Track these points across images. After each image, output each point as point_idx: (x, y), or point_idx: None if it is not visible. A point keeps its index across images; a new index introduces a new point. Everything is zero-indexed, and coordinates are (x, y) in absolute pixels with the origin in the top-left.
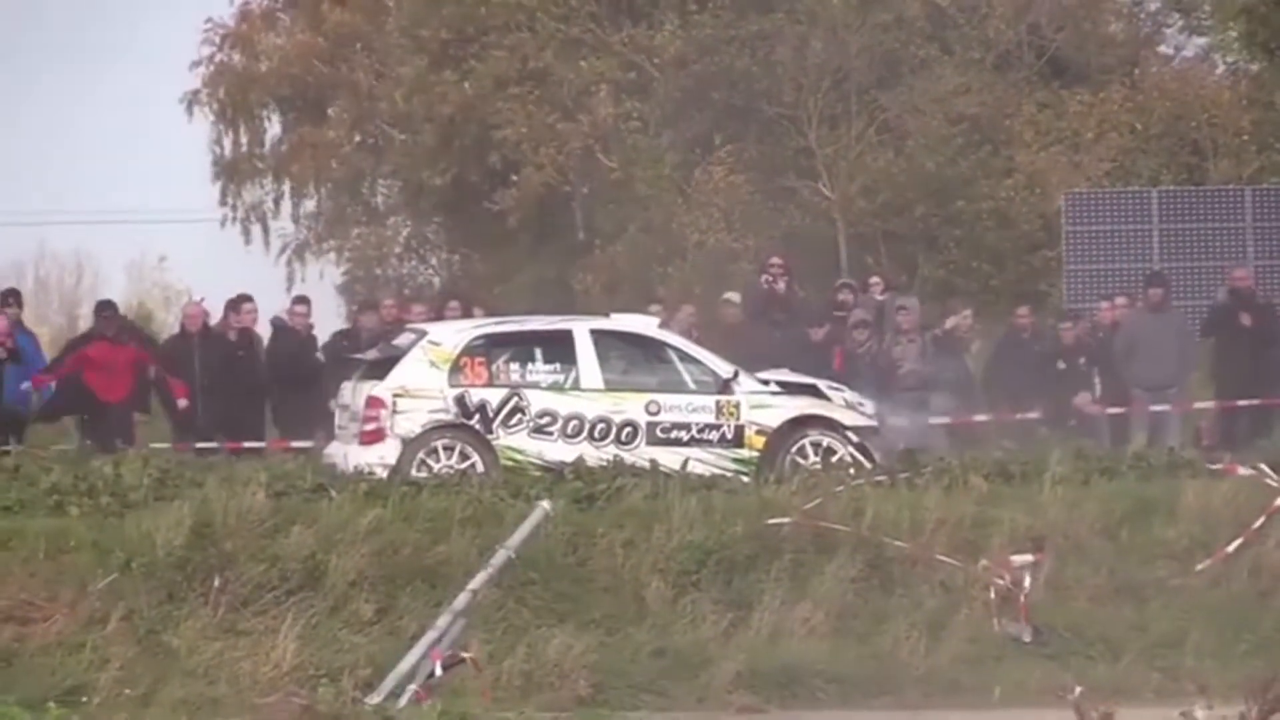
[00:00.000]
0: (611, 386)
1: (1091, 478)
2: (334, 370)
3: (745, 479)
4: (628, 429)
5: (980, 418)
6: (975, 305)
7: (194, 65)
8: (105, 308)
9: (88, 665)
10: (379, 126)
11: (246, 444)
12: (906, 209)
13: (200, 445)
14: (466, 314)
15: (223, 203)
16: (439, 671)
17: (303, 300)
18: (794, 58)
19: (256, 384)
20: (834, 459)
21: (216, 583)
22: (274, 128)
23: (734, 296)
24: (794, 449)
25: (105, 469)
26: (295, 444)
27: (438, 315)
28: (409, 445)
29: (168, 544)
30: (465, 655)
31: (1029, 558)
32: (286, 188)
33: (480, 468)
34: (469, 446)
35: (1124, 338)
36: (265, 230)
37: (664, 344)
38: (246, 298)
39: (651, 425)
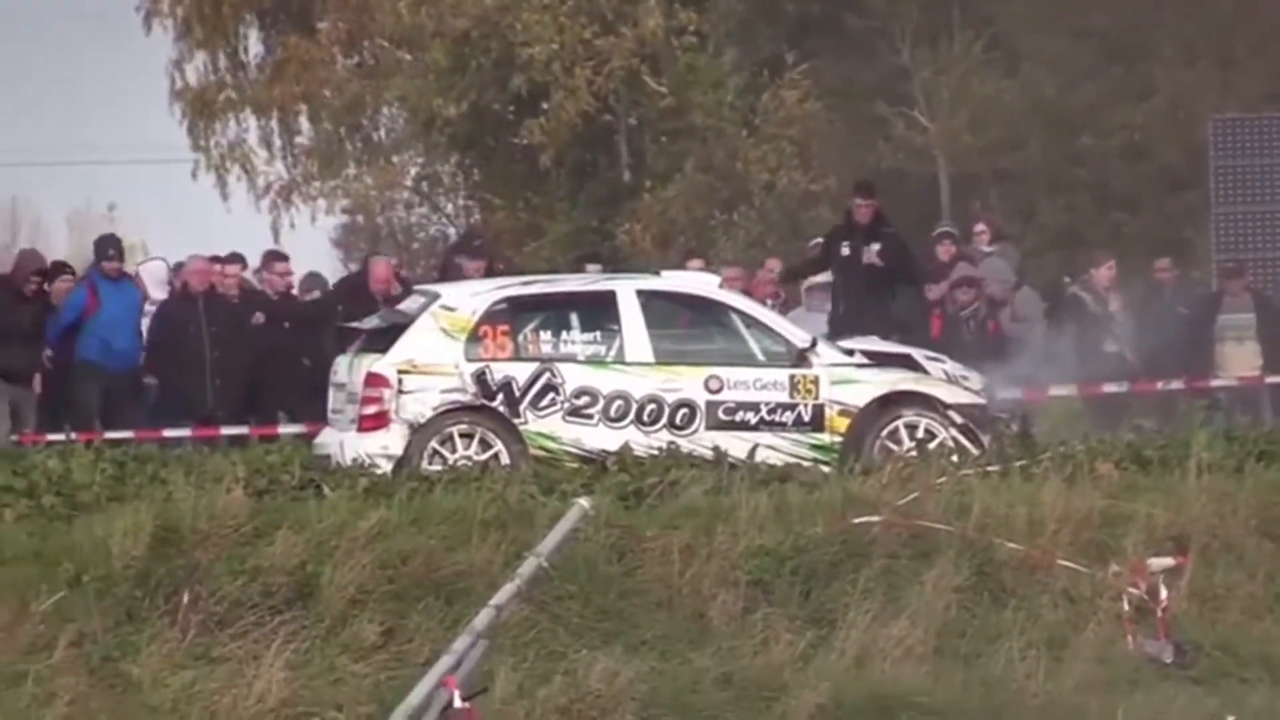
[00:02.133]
0: (664, 359)
1: (1246, 464)
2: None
3: (826, 469)
4: (684, 410)
5: (1111, 388)
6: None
7: None
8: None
9: (30, 700)
10: (379, 44)
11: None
12: (1021, 144)
13: (170, 434)
14: (487, 272)
15: (194, 146)
16: (458, 703)
17: (280, 257)
18: None
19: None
20: (933, 444)
21: (185, 599)
22: (253, 46)
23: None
24: (884, 432)
25: (49, 463)
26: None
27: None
28: (418, 432)
29: (125, 554)
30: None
31: (1169, 562)
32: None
33: (505, 459)
34: (491, 433)
35: None
36: (248, 170)
37: (727, 307)
38: (279, 255)
39: (712, 405)
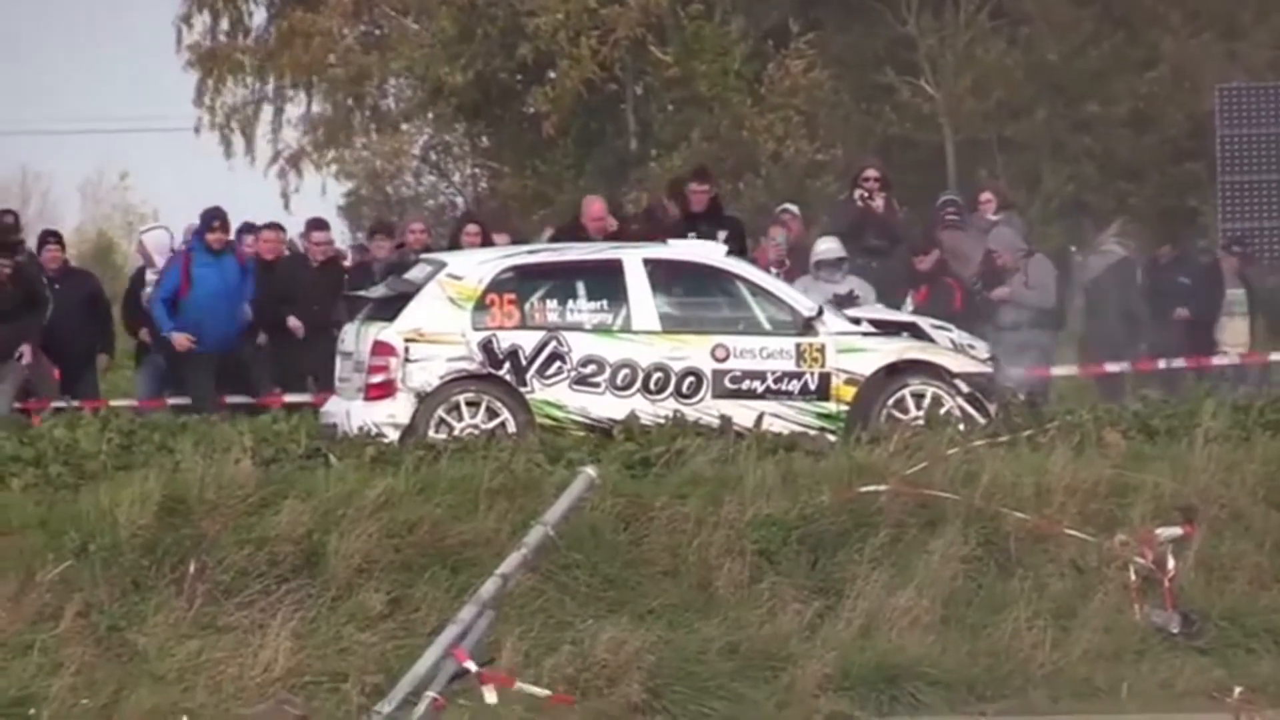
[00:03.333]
0: (671, 328)
1: (1253, 433)
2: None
3: (832, 438)
4: (690, 379)
5: (1114, 368)
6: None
7: None
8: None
9: (36, 670)
10: (386, 13)
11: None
12: (1026, 111)
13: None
14: (488, 240)
15: (198, 103)
16: (472, 668)
17: (320, 225)
18: None
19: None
20: (940, 413)
21: (191, 569)
22: (259, 12)
23: (792, 208)
24: (891, 401)
25: (56, 432)
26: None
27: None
28: (425, 401)
29: (132, 523)
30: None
31: (1177, 531)
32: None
33: (511, 427)
34: (497, 402)
35: None
36: (248, 139)
37: (733, 275)
38: (319, 223)
39: (719, 374)
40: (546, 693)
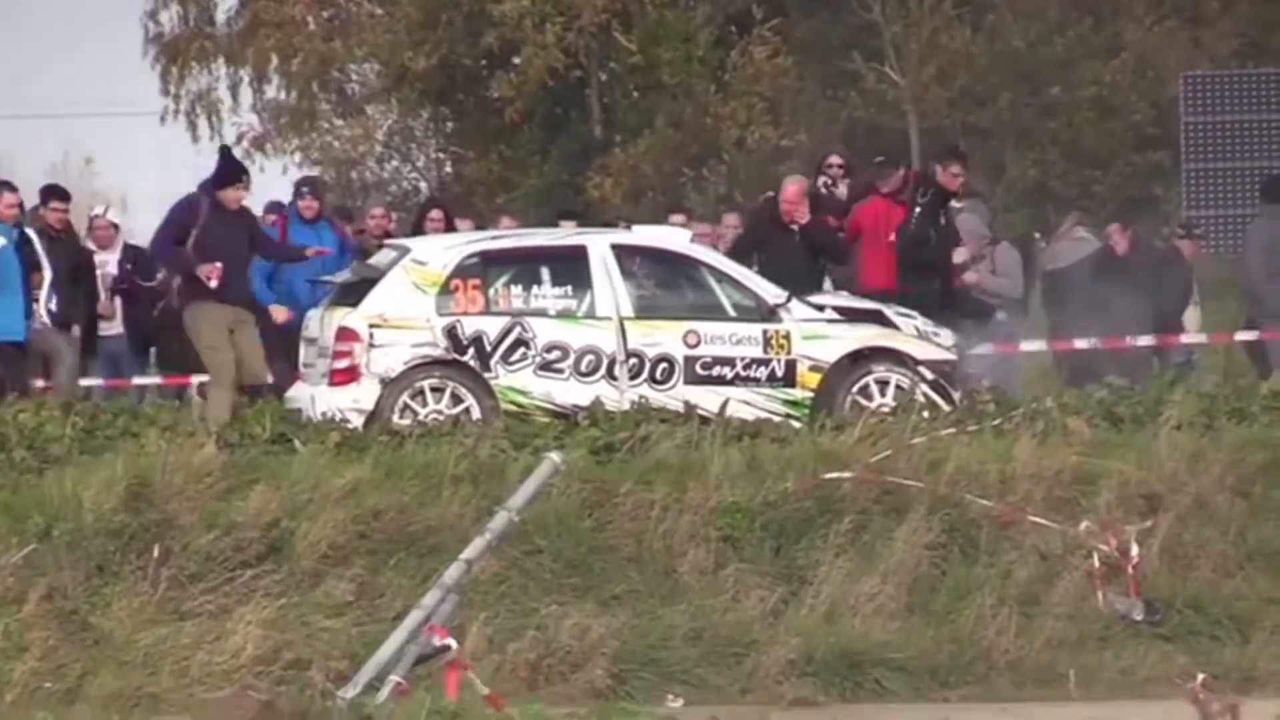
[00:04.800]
0: (642, 313)
1: (1217, 421)
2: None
3: (797, 424)
4: (664, 365)
5: (1082, 344)
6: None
7: None
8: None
9: (0, 654)
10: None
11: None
12: (990, 98)
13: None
14: (451, 226)
15: (164, 92)
16: (453, 645)
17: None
18: None
19: None
20: (904, 400)
21: (156, 554)
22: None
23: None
24: (855, 388)
25: (20, 416)
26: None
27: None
28: (389, 386)
29: (97, 507)
30: (449, 643)
31: (1145, 524)
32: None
33: (476, 413)
34: (462, 387)
35: (1256, 252)
36: (212, 124)
37: (698, 262)
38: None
39: (691, 360)
40: (485, 690)
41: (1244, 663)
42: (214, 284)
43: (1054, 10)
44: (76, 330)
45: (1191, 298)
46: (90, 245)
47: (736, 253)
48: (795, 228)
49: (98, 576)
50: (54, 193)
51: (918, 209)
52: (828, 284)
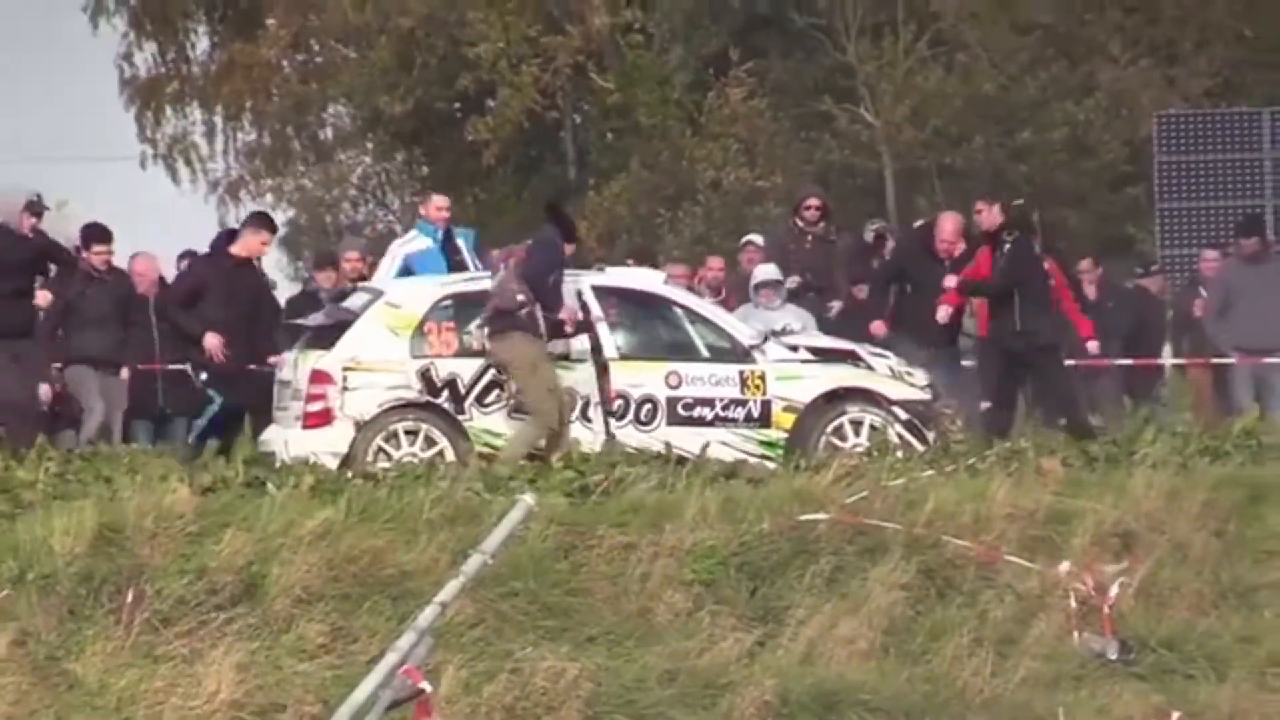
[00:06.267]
0: (626, 354)
1: (1191, 460)
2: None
3: (772, 465)
4: (648, 406)
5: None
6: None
7: None
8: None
9: None
10: (325, 42)
11: None
12: (964, 138)
13: None
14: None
15: (141, 136)
16: (427, 687)
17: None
18: None
19: None
20: (878, 440)
21: (129, 598)
22: (201, 42)
23: (757, 238)
24: (830, 428)
25: None
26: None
27: None
28: (363, 429)
29: (69, 552)
30: (423, 686)
31: (1123, 565)
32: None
33: (450, 455)
34: (436, 430)
35: (1217, 291)
36: (190, 165)
37: (673, 303)
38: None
39: (673, 401)
40: None
41: (1219, 701)
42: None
43: (1027, 51)
44: (125, 373)
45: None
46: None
47: (877, 282)
48: (946, 263)
49: (70, 621)
50: (96, 235)
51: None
52: None
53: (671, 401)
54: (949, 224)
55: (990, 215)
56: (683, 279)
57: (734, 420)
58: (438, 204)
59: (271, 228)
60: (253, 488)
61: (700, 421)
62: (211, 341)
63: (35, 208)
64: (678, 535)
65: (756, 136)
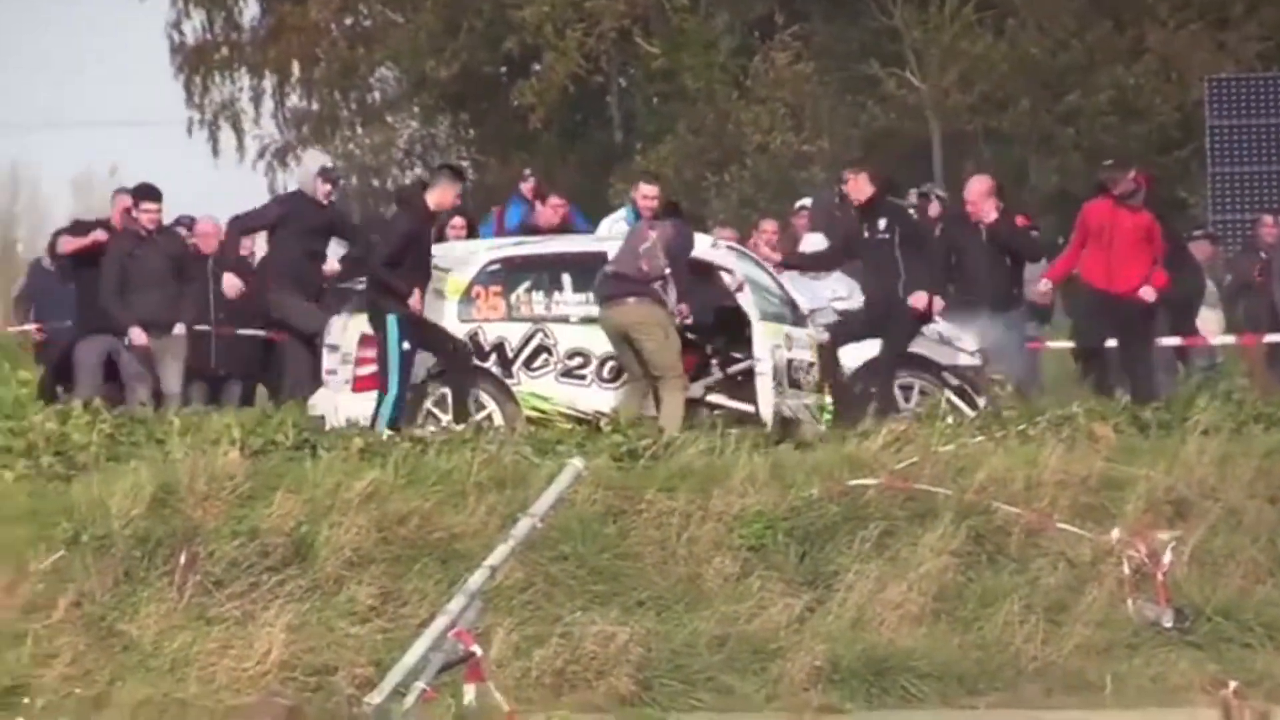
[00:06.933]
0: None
1: (1245, 426)
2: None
3: (822, 429)
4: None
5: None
6: None
7: None
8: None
9: (29, 660)
10: (373, 6)
11: None
12: (1011, 103)
13: None
14: (473, 233)
15: (189, 103)
16: (478, 651)
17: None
18: None
19: None
20: (928, 405)
21: (182, 560)
22: (249, 8)
23: (808, 202)
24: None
25: (47, 424)
26: None
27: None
28: (412, 393)
29: (124, 514)
30: (474, 650)
31: (1176, 533)
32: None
33: (498, 419)
34: (484, 394)
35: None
36: (238, 133)
37: (719, 269)
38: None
39: (791, 364)
40: (506, 709)
41: (1275, 670)
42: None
43: (1074, 14)
44: (179, 328)
45: (1208, 300)
46: None
47: (931, 256)
48: (982, 227)
49: (125, 583)
50: (144, 193)
51: None
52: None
53: (790, 364)
54: (976, 185)
55: (857, 185)
56: (733, 243)
57: (810, 385)
58: (645, 192)
59: (462, 178)
60: (302, 450)
61: (799, 385)
62: (416, 301)
63: (330, 175)
64: (726, 500)
65: (802, 100)
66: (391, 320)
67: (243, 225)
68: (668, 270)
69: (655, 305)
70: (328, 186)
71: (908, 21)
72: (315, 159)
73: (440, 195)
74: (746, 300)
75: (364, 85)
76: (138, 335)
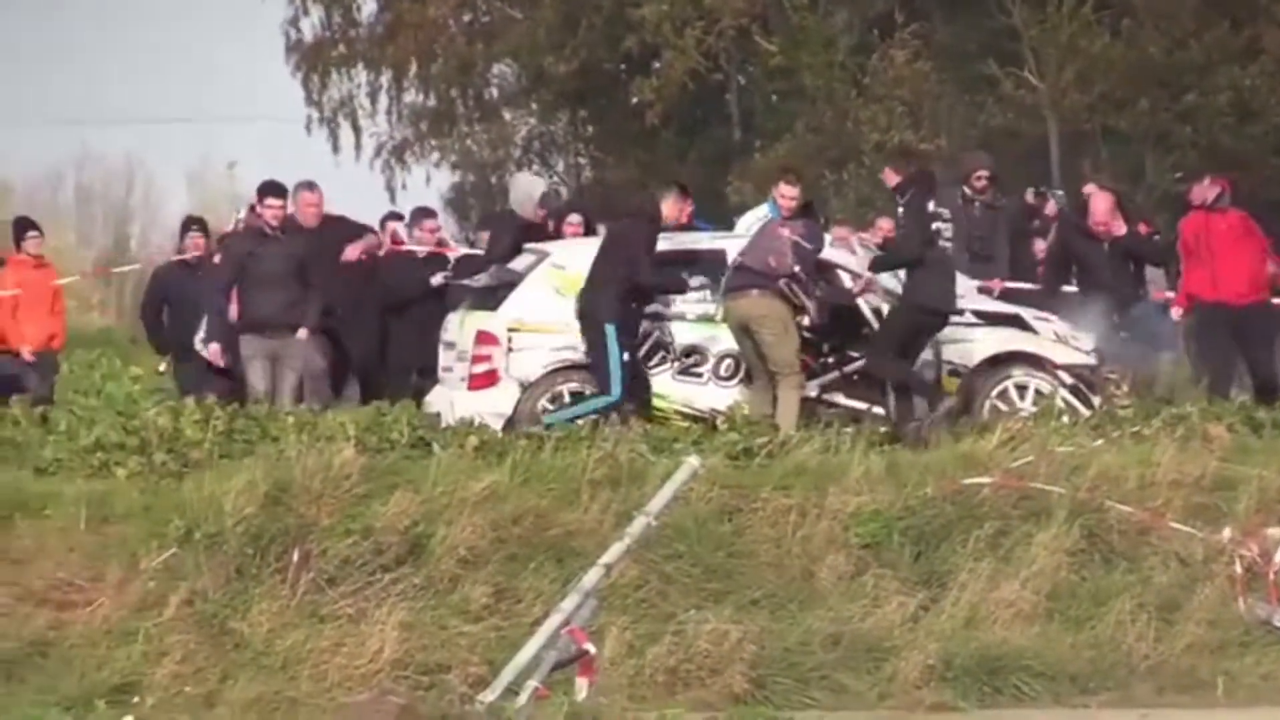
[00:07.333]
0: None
1: None
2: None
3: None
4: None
5: None
6: None
7: None
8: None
9: (140, 658)
10: (492, 3)
11: None
12: (1129, 102)
13: None
14: (590, 230)
15: (307, 100)
16: (591, 649)
17: (429, 213)
18: None
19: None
20: (1043, 404)
21: (296, 558)
22: (367, 5)
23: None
24: (994, 393)
25: (160, 420)
26: None
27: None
28: (528, 390)
29: (237, 511)
30: (587, 648)
31: None
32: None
33: (615, 417)
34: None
35: None
36: (355, 129)
37: (835, 266)
38: (427, 211)
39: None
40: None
41: None
42: None
43: (1191, 13)
44: (303, 333)
45: None
46: None
47: (1051, 265)
48: (1105, 242)
49: (237, 580)
50: (269, 190)
51: None
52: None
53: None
54: (1100, 204)
55: (888, 175)
56: (845, 238)
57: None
58: (785, 192)
59: (689, 195)
60: (418, 449)
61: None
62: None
63: (548, 201)
64: (841, 498)
65: (921, 99)
66: (610, 330)
67: (488, 260)
68: (796, 268)
69: (778, 300)
70: (543, 211)
71: (1026, 21)
72: (534, 184)
73: (670, 207)
74: (873, 300)
75: (481, 81)
76: (214, 353)
